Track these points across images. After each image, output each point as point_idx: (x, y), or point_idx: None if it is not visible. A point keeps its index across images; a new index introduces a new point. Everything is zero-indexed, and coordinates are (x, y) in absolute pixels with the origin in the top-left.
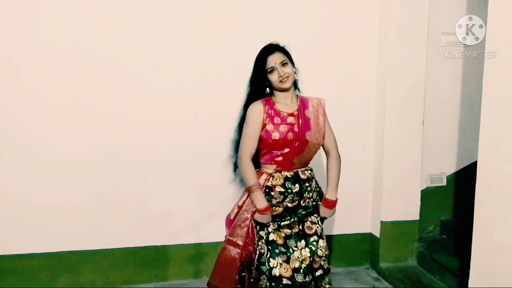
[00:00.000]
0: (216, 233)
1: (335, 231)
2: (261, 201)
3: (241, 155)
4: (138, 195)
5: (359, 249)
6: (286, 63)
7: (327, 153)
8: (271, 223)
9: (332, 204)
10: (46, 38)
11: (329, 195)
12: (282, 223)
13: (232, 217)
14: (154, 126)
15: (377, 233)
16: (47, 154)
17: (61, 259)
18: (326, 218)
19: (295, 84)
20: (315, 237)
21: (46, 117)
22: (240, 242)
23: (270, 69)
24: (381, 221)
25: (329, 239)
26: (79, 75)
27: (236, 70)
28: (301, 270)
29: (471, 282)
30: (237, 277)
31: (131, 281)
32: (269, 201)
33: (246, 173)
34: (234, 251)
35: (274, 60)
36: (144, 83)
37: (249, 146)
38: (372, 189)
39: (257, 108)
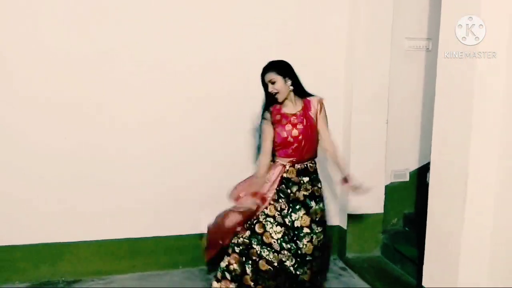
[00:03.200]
0: (193, 226)
1: None
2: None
3: (259, 170)
4: (116, 189)
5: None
6: (275, 81)
7: (323, 140)
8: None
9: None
10: (31, 35)
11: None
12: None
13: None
14: (134, 123)
15: (344, 225)
16: (27, 147)
17: (41, 251)
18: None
19: (299, 90)
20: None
21: (27, 111)
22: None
23: (265, 86)
24: (348, 214)
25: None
26: (63, 72)
27: (207, 68)
28: None
29: (425, 268)
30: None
31: (109, 272)
32: (288, 188)
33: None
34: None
35: (267, 79)
36: (129, 81)
37: (266, 160)
38: (340, 184)
39: (267, 123)
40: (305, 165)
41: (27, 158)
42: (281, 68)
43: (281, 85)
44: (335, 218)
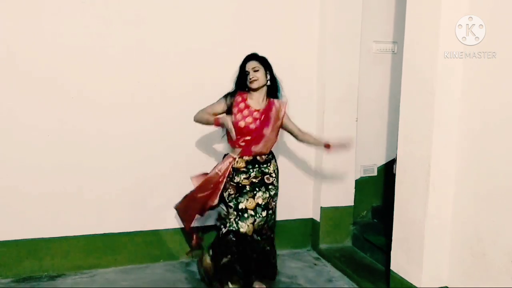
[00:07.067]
0: (173, 220)
1: (281, 217)
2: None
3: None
4: (96, 184)
5: (302, 232)
6: (258, 70)
7: (296, 135)
8: (245, 195)
9: (328, 145)
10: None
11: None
12: (256, 195)
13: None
14: (112, 110)
15: (317, 218)
16: (8, 143)
17: (24, 246)
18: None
19: (273, 90)
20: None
21: (8, 101)
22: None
23: (247, 72)
24: (321, 207)
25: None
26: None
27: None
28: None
29: (392, 252)
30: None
31: (92, 266)
32: (237, 176)
33: (204, 115)
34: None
35: (249, 66)
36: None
37: (207, 109)
38: (314, 179)
39: (223, 102)
40: (254, 157)
41: (6, 155)
42: (265, 61)
43: (261, 75)
44: (309, 211)
